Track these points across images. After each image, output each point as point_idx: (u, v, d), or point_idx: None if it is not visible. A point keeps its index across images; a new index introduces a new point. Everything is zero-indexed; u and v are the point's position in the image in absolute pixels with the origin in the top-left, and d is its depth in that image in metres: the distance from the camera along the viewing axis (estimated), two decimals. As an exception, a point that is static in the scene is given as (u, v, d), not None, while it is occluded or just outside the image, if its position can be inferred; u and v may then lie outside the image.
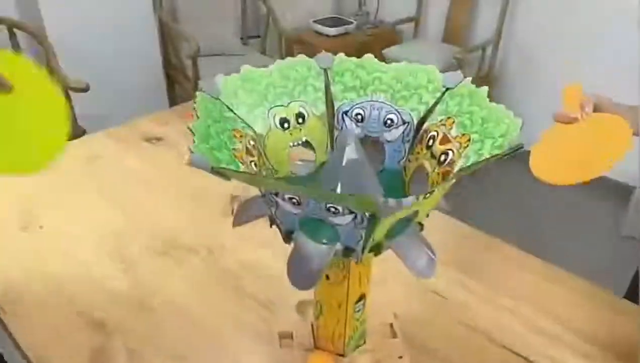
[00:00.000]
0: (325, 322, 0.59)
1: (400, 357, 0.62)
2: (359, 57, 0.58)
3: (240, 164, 0.45)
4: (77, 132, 1.76)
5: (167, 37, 2.32)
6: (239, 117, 0.52)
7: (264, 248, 0.80)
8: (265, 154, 0.54)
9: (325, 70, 0.59)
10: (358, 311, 0.58)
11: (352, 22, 2.65)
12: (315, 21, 2.65)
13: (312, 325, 0.64)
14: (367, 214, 0.41)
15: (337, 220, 0.43)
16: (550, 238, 1.81)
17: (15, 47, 1.86)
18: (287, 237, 0.47)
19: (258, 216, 0.51)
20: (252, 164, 0.47)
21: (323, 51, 0.60)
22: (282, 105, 0.56)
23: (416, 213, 0.47)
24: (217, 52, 2.33)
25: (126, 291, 0.73)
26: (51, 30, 1.89)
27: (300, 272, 0.45)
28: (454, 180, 0.43)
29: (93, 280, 0.75)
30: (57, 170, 0.99)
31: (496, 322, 0.69)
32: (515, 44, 2.40)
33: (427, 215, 0.50)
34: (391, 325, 0.66)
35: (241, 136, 0.50)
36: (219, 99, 0.52)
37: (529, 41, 2.35)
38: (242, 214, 0.52)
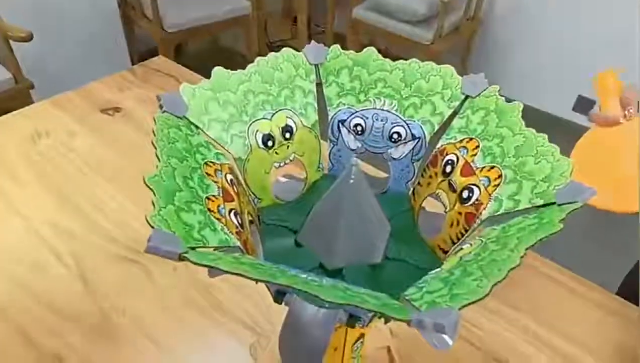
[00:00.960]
0: (319, 362, 0.51)
1: (401, 390, 0.56)
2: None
3: (216, 223, 0.34)
4: (23, 86, 1.57)
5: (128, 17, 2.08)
6: (211, 140, 0.41)
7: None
8: (245, 182, 0.44)
9: (316, 66, 0.47)
10: (356, 350, 0.51)
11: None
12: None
13: None
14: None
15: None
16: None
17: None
18: (278, 298, 0.39)
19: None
20: (232, 214, 0.37)
21: (313, 42, 0.48)
22: (265, 118, 0.45)
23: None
24: (187, 25, 2.11)
25: (83, 309, 0.64)
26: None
27: (300, 347, 0.37)
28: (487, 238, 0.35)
29: (41, 295, 0.65)
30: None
31: (502, 340, 0.64)
32: (500, 31, 2.26)
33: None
34: (388, 348, 0.60)
35: (216, 171, 0.39)
36: (186, 118, 0.41)
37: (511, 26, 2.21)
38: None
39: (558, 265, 0.73)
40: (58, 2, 1.78)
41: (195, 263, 0.28)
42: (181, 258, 0.28)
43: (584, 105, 2.17)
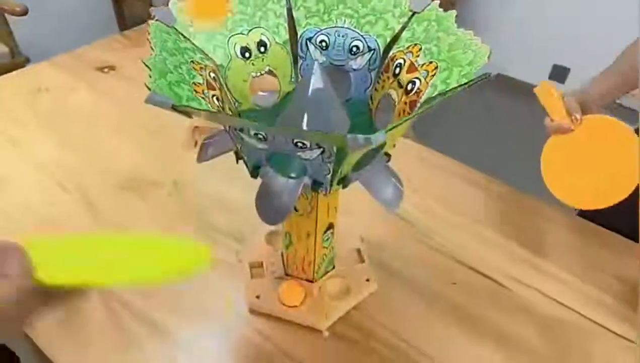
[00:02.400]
0: (295, 252, 0.60)
1: (367, 280, 0.64)
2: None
3: (202, 100, 0.43)
4: (19, 61, 1.64)
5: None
6: (196, 47, 0.49)
7: (231, 181, 0.79)
8: (227, 86, 0.52)
9: (286, -7, 0.55)
10: (327, 240, 0.59)
11: None
12: None
13: (282, 255, 0.65)
14: (334, 148, 0.40)
15: (304, 155, 0.42)
16: (519, 164, 1.88)
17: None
18: (254, 172, 0.47)
19: (223, 151, 0.50)
20: (214, 98, 0.45)
21: (283, -28, 0.56)
22: (242, 34, 0.53)
23: (383, 144, 0.47)
24: None
25: (89, 229, 0.72)
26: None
27: (270, 208, 0.45)
28: (421, 112, 0.43)
29: (52, 219, 0.73)
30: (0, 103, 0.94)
31: (462, 245, 0.72)
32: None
33: (394, 145, 0.51)
34: (358, 250, 0.68)
35: (201, 68, 0.47)
36: (175, 28, 0.48)
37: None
38: (207, 149, 0.51)
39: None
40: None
41: (185, 107, 0.36)
42: (174, 107, 0.36)
43: (559, 73, 2.26)
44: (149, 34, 0.44)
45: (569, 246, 0.73)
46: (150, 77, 0.39)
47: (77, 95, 0.99)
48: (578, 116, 0.62)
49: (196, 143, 0.89)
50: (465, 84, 0.43)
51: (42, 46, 1.69)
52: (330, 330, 0.60)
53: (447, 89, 0.45)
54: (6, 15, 1.56)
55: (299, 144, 0.41)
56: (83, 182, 0.79)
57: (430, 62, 0.48)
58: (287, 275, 0.64)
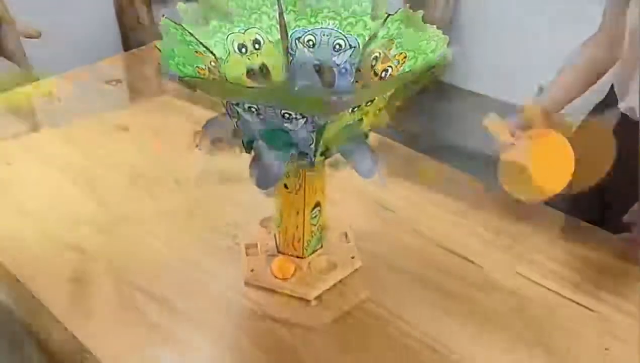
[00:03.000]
0: (286, 228, 0.66)
1: (353, 257, 0.70)
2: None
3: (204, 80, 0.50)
4: (33, 80, 1.73)
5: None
6: (199, 41, 0.57)
7: (230, 180, 0.86)
8: (225, 78, 0.59)
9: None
10: (314, 217, 0.66)
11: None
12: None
13: (274, 236, 0.71)
14: (316, 118, 0.48)
15: (291, 126, 0.50)
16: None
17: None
18: (249, 146, 0.54)
19: (221, 134, 0.57)
20: (214, 80, 0.53)
21: (275, -18, 0.64)
22: (239, 32, 0.61)
23: (361, 122, 0.54)
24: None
25: (98, 217, 0.78)
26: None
27: (262, 175, 0.52)
28: (388, 85, 0.50)
29: (64, 209, 0.79)
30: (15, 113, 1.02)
31: (442, 231, 0.79)
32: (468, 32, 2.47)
33: (369, 131, 0.58)
34: (345, 234, 0.74)
35: (203, 58, 0.55)
36: (181, 25, 0.56)
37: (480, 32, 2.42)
38: (207, 133, 0.58)
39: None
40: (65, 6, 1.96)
41: (192, 77, 0.43)
42: (180, 79, 0.44)
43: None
44: (162, 29, 0.52)
45: (539, 231, 0.80)
46: (162, 54, 0.46)
47: (86, 104, 1.07)
48: (516, 133, 0.75)
49: (197, 146, 0.96)
50: (429, 67, 0.51)
51: (51, 67, 1.79)
52: (318, 299, 0.66)
53: (407, 71, 0.52)
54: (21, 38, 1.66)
55: (286, 115, 0.48)
56: (91, 178, 0.86)
57: (401, 53, 0.56)
58: (279, 252, 0.70)
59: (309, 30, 0.63)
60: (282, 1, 0.63)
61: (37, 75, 1.68)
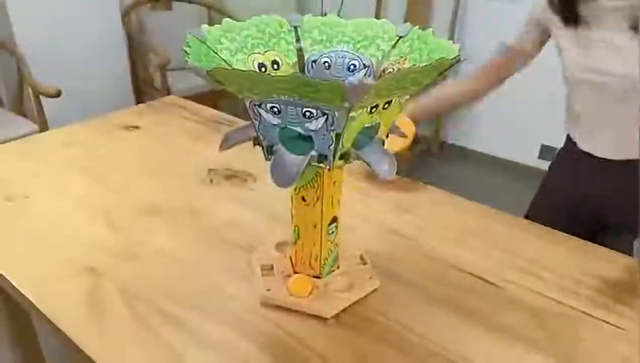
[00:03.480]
0: (303, 244, 0.66)
1: (370, 278, 0.69)
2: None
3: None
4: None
5: (135, 51, 2.39)
6: (222, 59, 0.60)
7: (243, 208, 0.87)
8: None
9: (295, 27, 0.68)
10: (331, 233, 0.66)
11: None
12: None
13: (290, 258, 0.71)
14: (336, 114, 0.49)
15: (312, 125, 0.51)
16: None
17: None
18: (270, 150, 0.55)
19: (243, 140, 0.59)
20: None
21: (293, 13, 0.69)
22: (259, 53, 0.64)
23: (377, 128, 0.56)
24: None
25: (115, 244, 0.78)
26: (22, 42, 1.93)
27: (282, 175, 0.53)
28: (406, 79, 0.52)
29: (81, 236, 0.79)
30: (36, 151, 1.04)
31: (454, 253, 0.78)
32: (466, 52, 2.59)
33: (387, 136, 0.59)
34: (361, 256, 0.73)
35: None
36: (205, 43, 0.60)
37: (478, 50, 2.54)
38: (228, 139, 0.60)
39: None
40: (76, 68, 2.06)
41: (219, 69, 0.45)
42: (208, 73, 0.46)
43: (547, 152, 2.40)
44: (187, 44, 0.55)
45: (542, 250, 0.78)
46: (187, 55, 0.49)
47: (105, 145, 1.10)
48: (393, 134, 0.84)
49: (211, 180, 0.97)
50: (443, 62, 0.53)
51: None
52: (335, 318, 0.64)
53: (427, 64, 0.54)
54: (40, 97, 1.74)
55: (307, 113, 0.50)
56: (109, 209, 0.86)
57: (414, 64, 0.59)
58: (295, 272, 0.69)
59: (324, 54, 0.66)
60: (298, 30, 0.67)
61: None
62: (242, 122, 1.27)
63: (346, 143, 0.53)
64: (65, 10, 2.01)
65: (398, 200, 0.92)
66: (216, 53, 0.60)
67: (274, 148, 0.55)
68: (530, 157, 2.52)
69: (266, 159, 0.56)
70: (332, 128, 0.51)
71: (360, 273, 0.70)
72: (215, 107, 1.32)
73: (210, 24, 2.47)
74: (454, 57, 0.51)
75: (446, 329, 0.64)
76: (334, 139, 0.52)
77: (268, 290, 0.66)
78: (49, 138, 1.15)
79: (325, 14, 0.86)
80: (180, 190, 0.94)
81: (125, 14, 2.30)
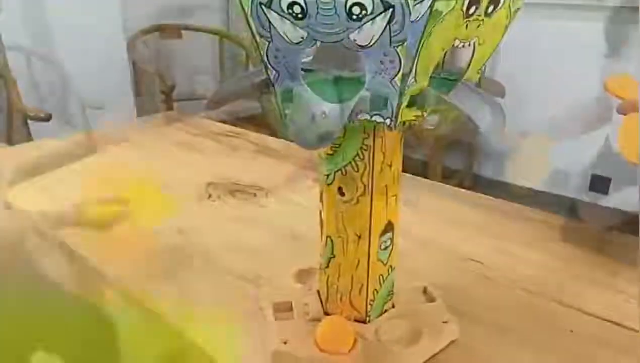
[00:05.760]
0: (339, 269, 0.41)
1: (445, 322, 0.44)
2: None
3: None
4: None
5: (140, 81, 2.24)
6: None
7: (250, 229, 0.64)
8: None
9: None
10: (385, 249, 0.41)
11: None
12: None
13: (318, 292, 0.46)
14: (410, 5, 0.26)
15: (361, 35, 0.28)
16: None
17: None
18: (286, 96, 0.32)
19: (242, 89, 0.36)
20: None
21: None
22: None
23: (472, 57, 0.33)
24: (196, 96, 2.27)
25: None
26: (15, 65, 1.77)
27: (310, 129, 0.30)
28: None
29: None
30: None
31: (536, 277, 0.52)
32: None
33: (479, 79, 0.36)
34: (425, 289, 0.48)
35: None
36: None
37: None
38: (221, 90, 0.37)
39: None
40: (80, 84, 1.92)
41: None
42: None
43: (598, 184, 2.13)
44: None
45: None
46: None
47: (85, 161, 0.88)
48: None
49: (210, 196, 0.74)
50: None
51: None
52: (398, 390, 0.38)
53: None
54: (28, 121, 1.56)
55: (355, 9, 0.27)
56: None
57: None
58: (326, 314, 0.44)
59: None
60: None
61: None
62: (234, 129, 1.07)
63: (422, 75, 0.30)
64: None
65: (463, 218, 0.67)
66: None
67: (294, 91, 0.32)
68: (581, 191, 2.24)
69: (280, 116, 0.33)
70: (399, 40, 0.28)
71: (428, 314, 0.45)
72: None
73: (221, 52, 2.32)
74: None
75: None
76: (402, 62, 0.29)
77: (285, 342, 0.41)
78: (25, 153, 0.94)
79: None
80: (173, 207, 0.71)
81: (131, 42, 2.17)
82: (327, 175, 0.39)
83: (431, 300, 0.47)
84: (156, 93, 2.07)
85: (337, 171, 0.38)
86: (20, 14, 1.81)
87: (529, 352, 0.43)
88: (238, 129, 1.06)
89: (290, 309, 0.46)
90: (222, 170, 0.82)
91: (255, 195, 0.75)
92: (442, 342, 0.42)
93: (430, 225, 0.65)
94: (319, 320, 0.43)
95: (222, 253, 0.58)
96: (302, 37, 0.30)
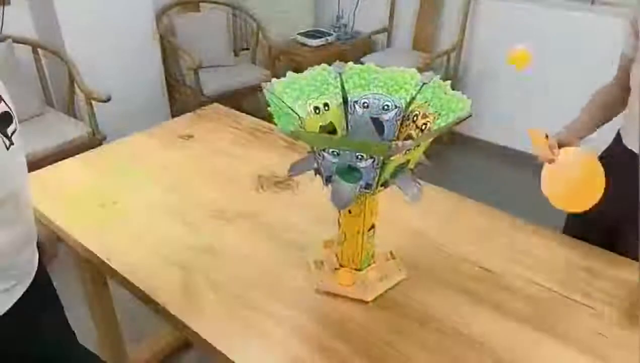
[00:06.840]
0: (348, 245, 0.85)
1: (400, 270, 0.89)
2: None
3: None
4: (99, 138, 1.99)
5: (168, 52, 2.56)
6: (288, 106, 0.79)
7: (292, 211, 1.07)
8: (317, 132, 0.81)
9: (340, 74, 0.86)
10: (370, 237, 0.85)
11: (331, 34, 2.94)
12: (298, 34, 2.93)
13: (336, 255, 0.90)
14: (381, 158, 0.68)
15: (361, 164, 0.70)
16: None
17: (38, 63, 2.08)
18: (328, 180, 0.74)
19: (308, 169, 0.78)
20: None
21: (337, 61, 0.87)
22: (314, 98, 0.83)
23: (408, 162, 0.75)
24: (213, 63, 2.59)
25: (193, 242, 0.98)
26: (71, 50, 2.10)
27: (339, 200, 0.72)
28: (429, 137, 0.71)
29: (167, 235, 1.00)
30: (111, 162, 1.24)
31: (470, 252, 0.97)
32: (476, 50, 2.73)
33: (414, 168, 0.78)
34: (391, 252, 0.93)
35: (291, 116, 0.76)
36: (274, 94, 0.78)
37: (488, 48, 2.68)
38: (297, 167, 0.79)
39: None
40: (117, 71, 2.26)
41: (298, 132, 0.64)
42: (291, 132, 0.65)
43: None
44: (266, 95, 0.74)
45: (547, 250, 0.97)
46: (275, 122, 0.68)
47: (167, 156, 1.29)
48: (555, 151, 0.91)
49: (262, 186, 1.17)
50: (457, 120, 0.71)
51: (114, 126, 2.05)
52: (373, 301, 0.84)
53: (445, 124, 0.73)
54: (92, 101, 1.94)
55: (359, 156, 0.69)
56: (182, 213, 1.06)
57: (435, 112, 0.77)
58: (340, 266, 0.88)
59: (364, 96, 0.85)
60: (342, 76, 0.86)
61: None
62: (264, 124, 1.46)
63: (386, 175, 0.72)
64: (106, 18, 2.18)
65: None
66: (282, 101, 0.79)
67: (332, 178, 0.74)
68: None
69: (325, 185, 0.75)
70: (377, 166, 0.70)
71: (391, 266, 0.90)
72: (240, 103, 1.49)
73: (234, 23, 2.62)
74: (466, 114, 0.69)
75: (454, 304, 0.83)
76: (377, 173, 0.71)
77: (321, 281, 0.86)
78: (118, 149, 1.35)
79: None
80: (238, 195, 1.13)
81: (159, 18, 2.47)
82: (343, 204, 0.82)
83: (394, 258, 0.92)
84: (184, 68, 2.41)
85: (348, 203, 0.81)
86: None
87: (439, 286, 0.88)
88: (270, 125, 1.45)
89: (322, 264, 0.90)
90: (266, 164, 1.24)
91: (289, 185, 1.17)
92: (397, 280, 0.87)
93: (398, 211, 1.09)
94: (337, 269, 0.88)
95: (280, 228, 1.02)
96: (335, 161, 0.71)
